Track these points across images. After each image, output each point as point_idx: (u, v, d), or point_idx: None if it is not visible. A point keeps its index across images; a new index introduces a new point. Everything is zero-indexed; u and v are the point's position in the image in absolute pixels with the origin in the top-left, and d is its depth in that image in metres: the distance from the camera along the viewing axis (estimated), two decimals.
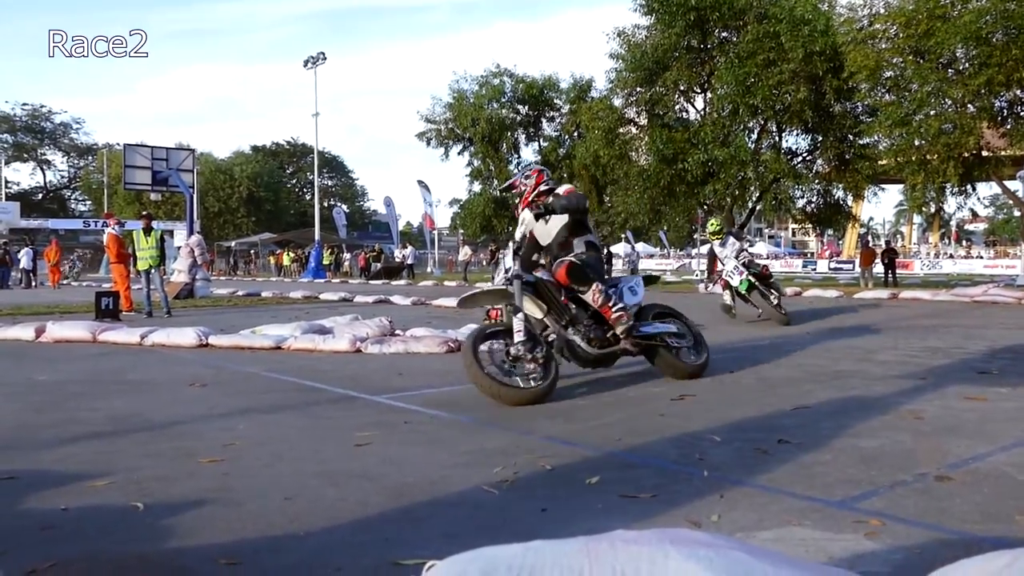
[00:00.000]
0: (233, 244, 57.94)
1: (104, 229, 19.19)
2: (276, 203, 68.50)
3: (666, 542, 1.35)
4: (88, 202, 72.45)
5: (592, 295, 5.62)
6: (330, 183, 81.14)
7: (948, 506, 2.94)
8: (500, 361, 5.24)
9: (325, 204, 66.44)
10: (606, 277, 6.01)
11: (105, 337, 9.34)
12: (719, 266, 12.08)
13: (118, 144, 49.49)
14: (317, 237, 42.29)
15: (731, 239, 12.16)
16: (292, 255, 47.51)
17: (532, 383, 5.19)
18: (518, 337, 5.19)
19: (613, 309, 5.64)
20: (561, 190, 5.87)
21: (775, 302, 11.32)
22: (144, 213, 15.57)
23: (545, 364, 5.28)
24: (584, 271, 5.63)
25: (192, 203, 22.78)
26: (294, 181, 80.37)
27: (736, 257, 11.75)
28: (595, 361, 5.75)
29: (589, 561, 1.31)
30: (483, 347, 5.23)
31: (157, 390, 6.00)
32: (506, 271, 5.56)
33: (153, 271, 13.84)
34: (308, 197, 70.87)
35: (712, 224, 12.52)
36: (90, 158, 71.33)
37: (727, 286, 11.89)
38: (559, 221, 5.87)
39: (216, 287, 23.30)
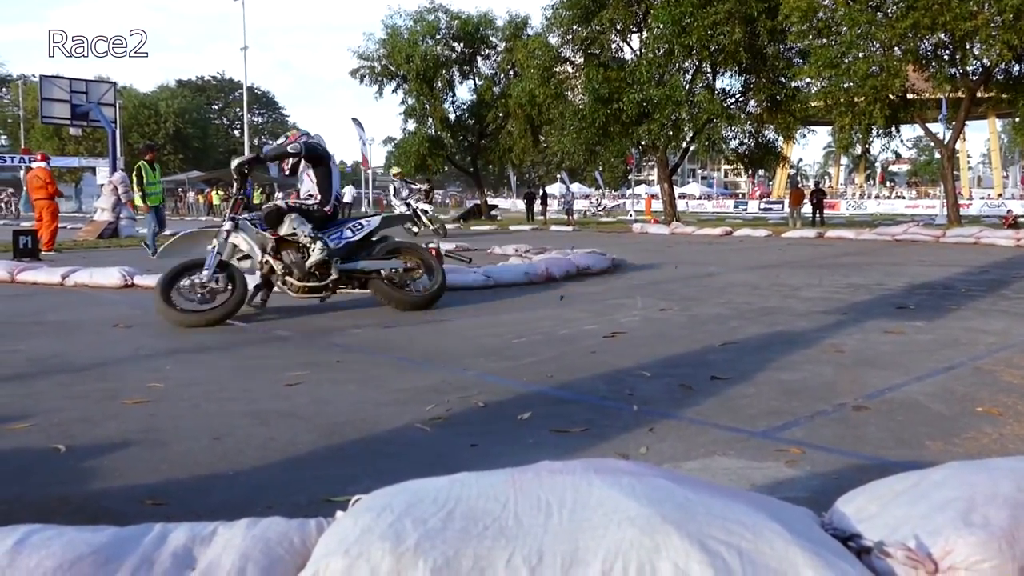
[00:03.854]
0: None
1: (23, 165, 18.31)
2: (204, 140, 66.36)
3: (590, 471, 1.37)
4: (3, 137, 68.93)
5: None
6: (260, 120, 78.74)
7: (864, 434, 3.06)
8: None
9: (255, 142, 64.53)
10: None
11: (24, 277, 9.00)
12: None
13: (34, 76, 46.93)
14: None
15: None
16: (221, 194, 46.23)
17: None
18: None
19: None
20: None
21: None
22: (149, 144, 14.85)
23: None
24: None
25: (115, 139, 21.88)
26: (223, 118, 77.85)
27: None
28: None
29: (514, 491, 1.33)
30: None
31: (80, 331, 5.82)
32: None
33: (160, 206, 13.47)
34: (237, 134, 68.76)
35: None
36: (4, 90, 67.62)
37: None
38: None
39: (141, 227, 22.59)
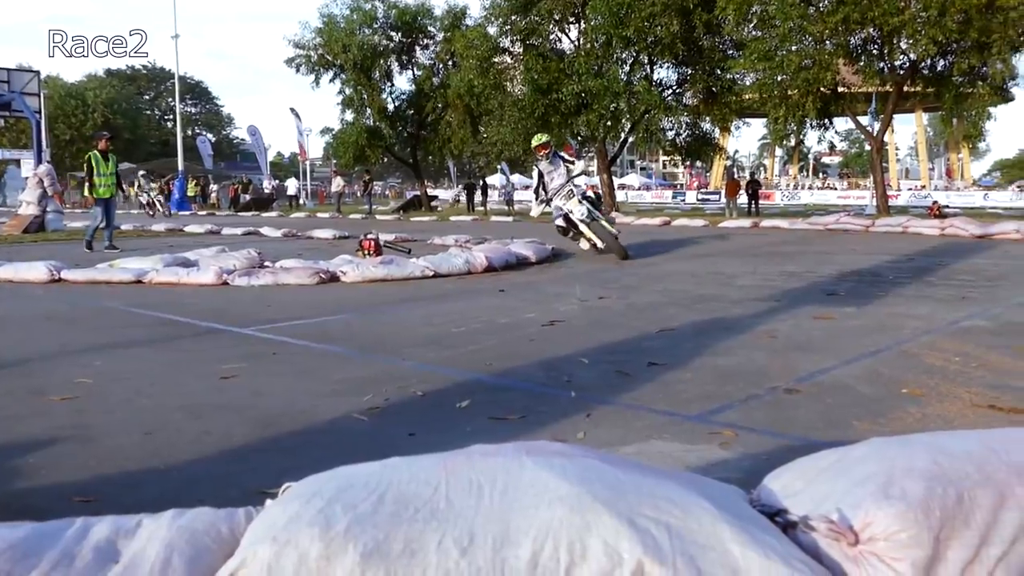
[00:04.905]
0: None
1: None
2: (135, 131, 64.55)
3: (522, 453, 1.38)
4: None
5: None
6: (194, 110, 76.98)
7: (794, 416, 3.14)
8: None
9: (189, 133, 62.99)
10: None
11: None
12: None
13: None
14: (180, 167, 40.26)
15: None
16: (154, 186, 45.14)
17: None
18: None
19: None
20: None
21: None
22: (103, 134, 14.06)
23: None
24: None
25: (39, 130, 21.16)
26: (154, 108, 75.86)
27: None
28: None
29: (446, 474, 1.33)
30: None
31: (4, 327, 5.63)
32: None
33: (111, 199, 12.89)
34: (170, 125, 67.06)
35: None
36: None
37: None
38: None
39: (69, 220, 21.91)
